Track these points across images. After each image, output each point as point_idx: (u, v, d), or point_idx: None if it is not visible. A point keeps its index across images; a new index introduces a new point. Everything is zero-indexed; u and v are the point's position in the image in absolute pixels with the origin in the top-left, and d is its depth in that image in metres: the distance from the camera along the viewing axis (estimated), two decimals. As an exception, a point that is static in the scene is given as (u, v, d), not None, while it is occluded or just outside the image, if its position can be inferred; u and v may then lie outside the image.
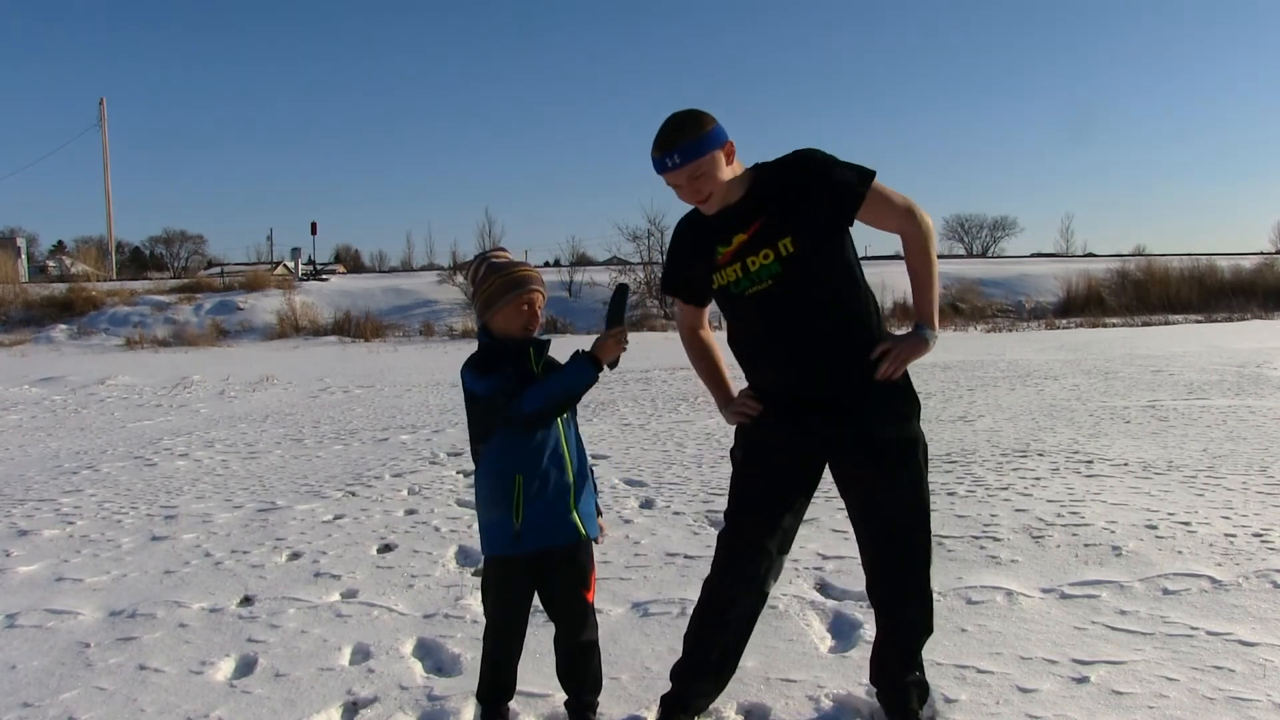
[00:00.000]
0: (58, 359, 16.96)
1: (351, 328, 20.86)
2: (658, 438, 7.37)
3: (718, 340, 2.73)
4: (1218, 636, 3.13)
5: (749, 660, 3.04)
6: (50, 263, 42.54)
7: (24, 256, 31.28)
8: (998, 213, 75.45)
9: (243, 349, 18.71)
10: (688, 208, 2.59)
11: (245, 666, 3.15)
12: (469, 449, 2.66)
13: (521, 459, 2.47)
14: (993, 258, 41.32)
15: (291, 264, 29.99)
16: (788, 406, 2.51)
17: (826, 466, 2.59)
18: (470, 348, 2.62)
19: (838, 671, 2.97)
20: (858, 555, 2.66)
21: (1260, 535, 4.21)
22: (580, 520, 2.54)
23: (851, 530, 2.66)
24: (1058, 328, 21.32)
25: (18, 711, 2.83)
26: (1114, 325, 21.38)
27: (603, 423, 8.21)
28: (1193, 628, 3.21)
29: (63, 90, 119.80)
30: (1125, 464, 5.84)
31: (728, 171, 2.44)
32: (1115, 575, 3.75)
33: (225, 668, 3.14)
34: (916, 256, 2.52)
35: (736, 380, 2.71)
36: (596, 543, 2.66)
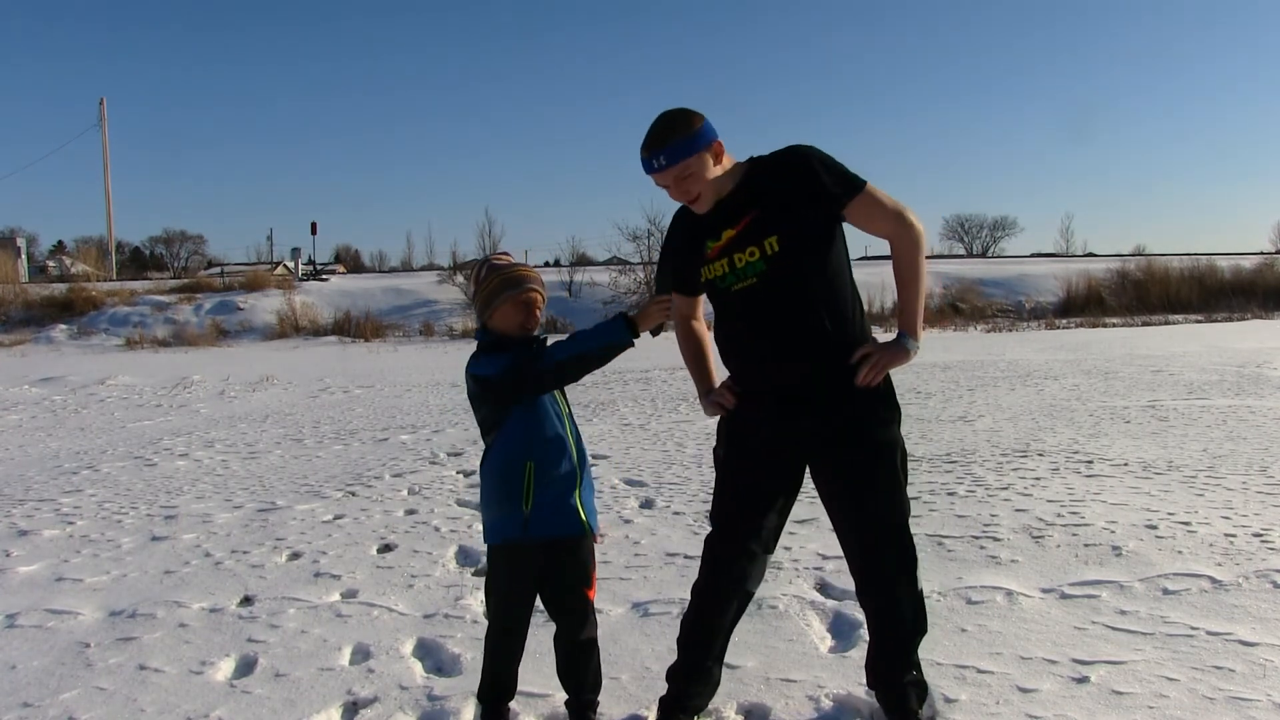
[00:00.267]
0: (58, 359, 16.96)
1: (351, 328, 20.87)
2: (658, 438, 7.37)
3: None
4: (1218, 636, 3.13)
5: (749, 660, 3.05)
6: (50, 263, 42.55)
7: (24, 256, 31.28)
8: (998, 213, 75.52)
9: (243, 349, 18.72)
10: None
11: (245, 666, 3.15)
12: (469, 449, 2.66)
13: (532, 447, 2.50)
14: (993, 258, 41.32)
15: (291, 264, 29.99)
16: (768, 403, 2.52)
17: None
18: (471, 347, 2.63)
19: (838, 671, 2.97)
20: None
21: (1260, 535, 4.21)
22: (584, 513, 2.57)
23: None
24: (1058, 328, 21.32)
25: (18, 711, 2.83)
26: (1114, 325, 21.38)
27: (603, 423, 8.21)
28: (1193, 628, 3.21)
29: (63, 90, 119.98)
30: (1125, 464, 5.84)
31: (716, 171, 2.45)
32: (1115, 575, 3.75)
33: (225, 668, 3.14)
34: (904, 264, 2.51)
35: (726, 375, 2.71)
36: (597, 541, 2.68)
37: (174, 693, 2.93)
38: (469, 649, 3.19)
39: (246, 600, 3.80)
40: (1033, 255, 38.54)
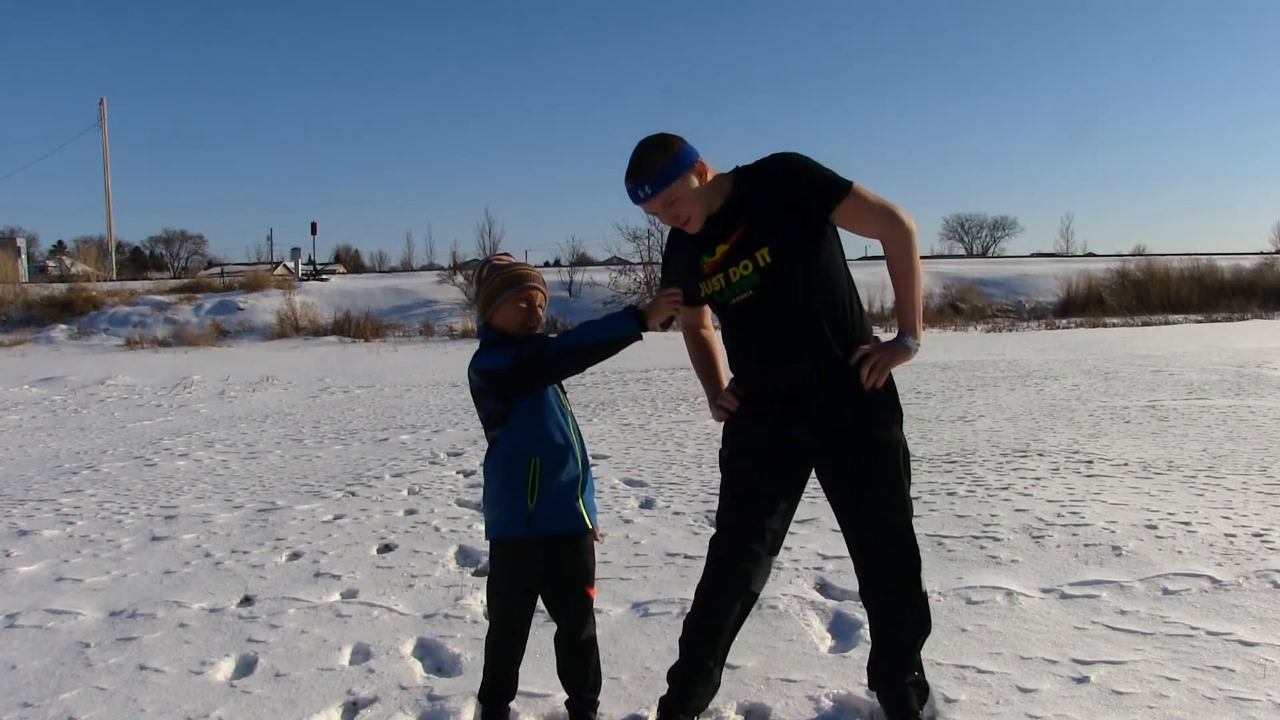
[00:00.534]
0: (58, 359, 16.96)
1: (351, 328, 20.86)
2: (658, 438, 7.37)
3: (719, 339, 2.75)
4: (1218, 636, 3.13)
5: (749, 660, 3.05)
6: (50, 263, 42.55)
7: (24, 256, 31.27)
8: (998, 213, 75.49)
9: (243, 349, 18.71)
10: None
11: (245, 666, 3.15)
12: (469, 449, 2.67)
13: (537, 443, 2.51)
14: (993, 258, 41.31)
15: (291, 264, 29.98)
16: (771, 406, 2.54)
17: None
18: (471, 347, 2.63)
19: (838, 671, 2.97)
20: (855, 557, 2.66)
21: (1260, 535, 4.21)
22: (585, 511, 2.58)
23: None
24: (1058, 328, 21.31)
25: (18, 711, 2.83)
26: (1114, 325, 21.37)
27: (603, 423, 8.21)
28: (1193, 628, 3.21)
29: (63, 90, 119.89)
30: (1125, 464, 5.84)
31: (702, 190, 2.47)
32: (1115, 575, 3.75)
33: (225, 668, 3.14)
34: (898, 262, 2.51)
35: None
36: (596, 539, 2.69)
37: (174, 693, 2.93)
38: (469, 649, 3.19)
39: (246, 600, 3.80)
40: (1033, 255, 38.53)
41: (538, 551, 2.56)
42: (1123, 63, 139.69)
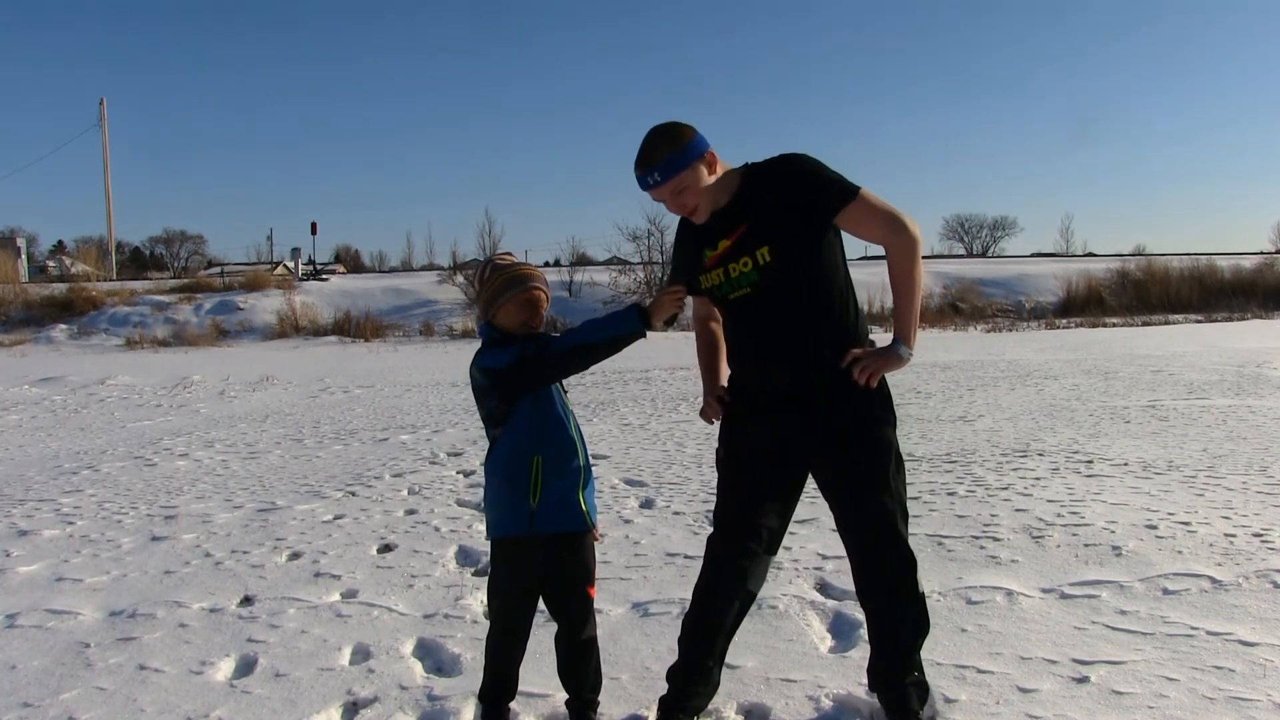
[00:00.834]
0: (58, 359, 16.96)
1: (351, 328, 20.86)
2: (658, 438, 7.36)
3: None
4: (1218, 636, 3.13)
5: (749, 660, 3.05)
6: (50, 263, 42.56)
7: (24, 256, 31.27)
8: (998, 213, 75.48)
9: (243, 349, 18.71)
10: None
11: (245, 666, 3.15)
12: (469, 449, 2.66)
13: (539, 441, 2.51)
14: (993, 258, 41.32)
15: (291, 264, 29.98)
16: (766, 405, 2.55)
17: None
18: (471, 347, 2.63)
19: (838, 671, 2.97)
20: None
21: (1260, 535, 4.21)
22: (586, 509, 2.58)
23: None
24: (1058, 328, 21.32)
25: (18, 711, 2.83)
26: (1114, 325, 21.38)
27: (603, 423, 8.21)
28: (1193, 628, 3.21)
29: (63, 91, 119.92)
30: (1125, 464, 5.84)
31: (711, 181, 2.48)
32: (1115, 575, 3.75)
33: (225, 668, 3.14)
34: (899, 271, 2.50)
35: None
36: (596, 539, 2.69)
37: (174, 693, 2.93)
38: (469, 649, 3.19)
39: (246, 600, 3.80)
40: (1033, 255, 38.56)
41: (539, 551, 2.56)
42: (1123, 63, 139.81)
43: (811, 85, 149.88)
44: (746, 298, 2.51)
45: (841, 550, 2.67)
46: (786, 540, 4.17)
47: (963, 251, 61.95)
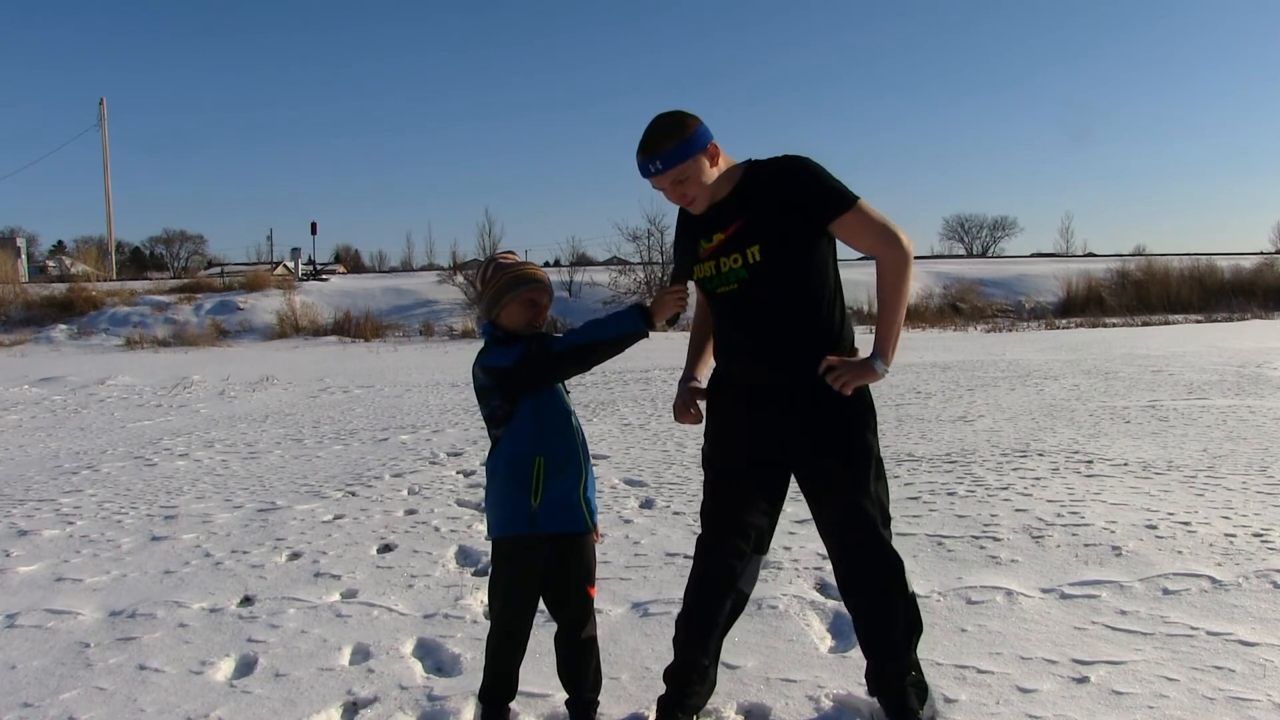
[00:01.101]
0: (58, 359, 16.96)
1: (351, 328, 20.86)
2: (658, 438, 7.36)
3: None
4: (1218, 636, 3.13)
5: (749, 660, 3.05)
6: (50, 263, 42.53)
7: (24, 256, 31.25)
8: (998, 213, 75.53)
9: (243, 349, 18.71)
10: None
11: (245, 666, 3.15)
12: (469, 449, 2.66)
13: (542, 441, 2.51)
14: (993, 258, 41.31)
15: (291, 264, 29.97)
16: (748, 403, 2.57)
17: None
18: (470, 347, 2.63)
19: (838, 671, 2.97)
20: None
21: (1260, 535, 4.21)
22: (587, 510, 2.59)
23: None
24: (1058, 328, 21.31)
25: (18, 711, 2.83)
26: (1114, 325, 21.37)
27: (603, 423, 8.21)
28: (1193, 628, 3.21)
29: (63, 91, 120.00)
30: (1125, 464, 5.84)
31: (712, 173, 2.48)
32: (1115, 575, 3.75)
33: (225, 668, 3.14)
34: (886, 285, 2.49)
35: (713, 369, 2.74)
36: (596, 539, 2.69)
37: (174, 693, 2.93)
38: (469, 649, 3.19)
39: (246, 600, 3.80)
40: (1033, 255, 38.53)
41: (540, 551, 2.56)
42: (1124, 63, 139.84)
43: (812, 86, 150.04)
44: (733, 294, 2.52)
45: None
46: (786, 540, 4.19)
47: (963, 251, 61.99)
